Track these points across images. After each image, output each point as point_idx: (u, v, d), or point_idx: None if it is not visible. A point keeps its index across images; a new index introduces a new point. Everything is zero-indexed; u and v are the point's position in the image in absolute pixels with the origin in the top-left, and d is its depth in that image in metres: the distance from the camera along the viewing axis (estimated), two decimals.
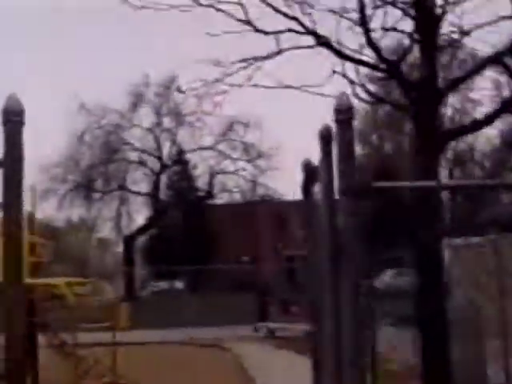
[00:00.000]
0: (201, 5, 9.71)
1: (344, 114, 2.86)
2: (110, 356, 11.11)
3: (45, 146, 39.38)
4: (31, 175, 35.75)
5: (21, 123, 2.93)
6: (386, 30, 9.25)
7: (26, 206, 11.77)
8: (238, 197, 40.90)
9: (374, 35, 9.06)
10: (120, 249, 44.49)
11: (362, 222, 2.78)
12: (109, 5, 12.28)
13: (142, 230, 42.35)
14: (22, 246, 2.63)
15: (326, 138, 3.14)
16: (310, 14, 9.65)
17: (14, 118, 2.89)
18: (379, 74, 10.28)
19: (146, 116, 41.01)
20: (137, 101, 40.11)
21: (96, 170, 40.58)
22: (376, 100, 11.85)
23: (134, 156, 42.00)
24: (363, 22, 8.85)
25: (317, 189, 3.42)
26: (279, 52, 10.07)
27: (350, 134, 2.86)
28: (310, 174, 3.57)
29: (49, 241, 11.82)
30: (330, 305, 3.04)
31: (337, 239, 2.91)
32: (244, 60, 10.30)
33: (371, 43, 8.98)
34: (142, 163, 41.98)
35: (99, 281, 8.93)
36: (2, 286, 2.53)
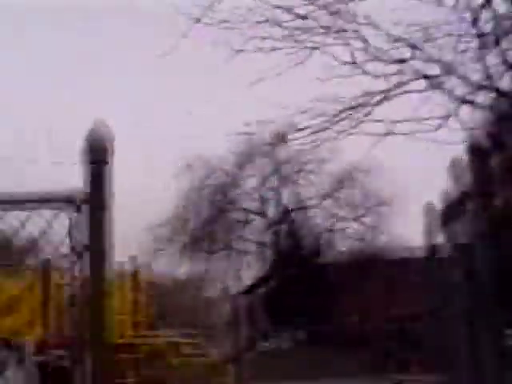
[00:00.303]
0: (306, 47, 9.47)
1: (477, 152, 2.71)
2: None
3: (153, 204, 39.80)
4: (140, 234, 36.37)
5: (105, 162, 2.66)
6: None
7: (132, 265, 11.70)
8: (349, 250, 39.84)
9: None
10: (227, 308, 44.22)
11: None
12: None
13: (248, 289, 42.00)
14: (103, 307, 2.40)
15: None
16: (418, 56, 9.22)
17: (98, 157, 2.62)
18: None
19: (251, 176, 41.11)
20: (242, 160, 40.27)
21: (202, 230, 40.69)
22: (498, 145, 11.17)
23: (240, 215, 42.01)
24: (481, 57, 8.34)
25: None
26: (389, 97, 9.66)
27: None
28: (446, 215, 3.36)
29: (152, 299, 11.64)
30: (467, 356, 2.91)
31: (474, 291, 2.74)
32: (352, 108, 9.94)
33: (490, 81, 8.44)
34: (248, 222, 41.89)
35: (205, 340, 8.67)
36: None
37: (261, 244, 41.76)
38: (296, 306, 35.24)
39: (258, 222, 42.09)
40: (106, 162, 2.75)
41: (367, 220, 40.14)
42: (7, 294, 10.48)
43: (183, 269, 41.19)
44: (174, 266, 40.46)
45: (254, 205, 41.57)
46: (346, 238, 40.65)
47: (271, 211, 41.55)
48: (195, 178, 40.07)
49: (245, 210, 41.80)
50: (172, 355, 8.01)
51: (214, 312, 59.51)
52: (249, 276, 42.21)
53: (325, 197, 40.59)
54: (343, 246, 40.51)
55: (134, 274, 11.16)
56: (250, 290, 42.00)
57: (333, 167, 38.56)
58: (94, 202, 2.71)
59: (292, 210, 41.14)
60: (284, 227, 40.99)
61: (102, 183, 2.72)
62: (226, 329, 43.08)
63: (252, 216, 42.04)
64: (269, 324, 34.14)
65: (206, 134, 40.09)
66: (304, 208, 40.95)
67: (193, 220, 40.96)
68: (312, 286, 36.27)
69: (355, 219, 40.38)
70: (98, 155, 2.67)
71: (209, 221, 40.73)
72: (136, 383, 10.55)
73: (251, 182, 41.21)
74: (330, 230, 40.98)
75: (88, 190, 2.62)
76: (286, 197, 41.18)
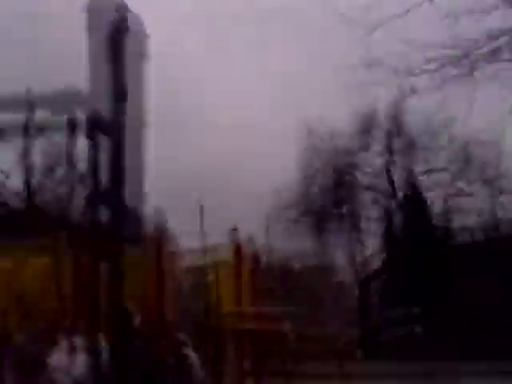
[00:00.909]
0: None
1: None
2: None
3: (275, 170, 39.07)
4: (264, 199, 35.78)
5: None
6: None
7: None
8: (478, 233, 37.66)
9: None
10: (355, 292, 43.09)
11: None
12: None
13: (377, 273, 40.71)
14: None
15: None
16: None
17: None
18: None
19: (376, 139, 39.61)
20: (367, 124, 38.82)
21: (326, 196, 39.72)
22: None
23: (365, 180, 40.64)
24: None
25: None
26: None
27: None
28: None
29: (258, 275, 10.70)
30: None
31: None
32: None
33: None
34: (372, 187, 40.49)
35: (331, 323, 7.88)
36: None
37: (386, 211, 40.29)
38: (421, 287, 33.75)
39: (383, 186, 40.60)
40: None
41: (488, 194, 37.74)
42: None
43: (302, 238, 40.24)
44: (293, 235, 39.64)
45: (378, 169, 40.05)
46: (468, 212, 38.38)
47: (397, 176, 39.92)
48: (318, 142, 39.02)
49: (369, 174, 40.38)
50: (290, 337, 7.03)
51: (343, 295, 58.39)
52: (373, 244, 40.88)
53: (448, 167, 38.59)
54: (469, 221, 38.30)
55: (240, 250, 10.24)
56: (378, 273, 40.77)
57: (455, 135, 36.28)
58: None
59: (417, 176, 39.35)
60: (410, 193, 39.26)
61: None
62: (354, 313, 42.09)
63: (376, 181, 40.55)
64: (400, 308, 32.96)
65: (327, 98, 38.88)
66: (430, 172, 39.05)
67: (314, 186, 40.04)
68: (439, 266, 34.49)
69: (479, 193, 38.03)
70: None
71: (331, 187, 39.66)
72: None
73: (376, 146, 39.68)
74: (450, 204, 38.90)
75: None
76: (412, 162, 39.36)
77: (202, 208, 10.33)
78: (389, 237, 39.42)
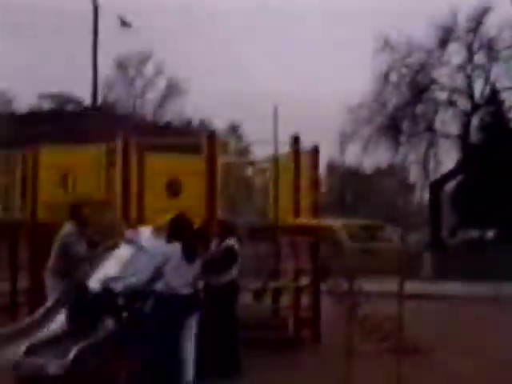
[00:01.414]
0: None
1: None
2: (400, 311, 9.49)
3: (351, 84, 38.33)
4: (339, 115, 35.26)
5: None
6: None
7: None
8: None
9: None
10: (427, 194, 42.45)
11: None
12: None
13: (450, 174, 39.84)
14: None
15: None
16: None
17: None
18: None
19: (455, 53, 38.00)
20: (445, 37, 37.24)
21: (402, 112, 38.73)
22: None
23: (442, 96, 39.32)
24: None
25: None
26: None
27: None
28: None
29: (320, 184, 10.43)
30: None
31: None
32: None
33: None
34: (451, 103, 39.15)
35: (395, 227, 7.69)
36: None
37: (465, 126, 39.03)
38: (491, 199, 32.73)
39: (462, 102, 39.23)
40: None
41: None
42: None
43: (381, 153, 39.77)
44: (370, 150, 39.18)
45: (458, 84, 38.58)
46: None
47: (478, 91, 38.40)
48: (395, 56, 37.81)
49: (448, 89, 39.02)
50: (344, 240, 6.82)
51: (412, 199, 57.86)
52: (450, 161, 39.90)
53: None
54: None
55: (314, 150, 9.91)
56: (451, 175, 39.86)
57: None
58: None
59: (500, 91, 37.74)
60: (490, 109, 37.78)
61: None
62: (425, 216, 41.63)
63: (456, 96, 39.18)
64: (472, 212, 32.09)
65: (404, 9, 37.43)
66: None
67: (392, 101, 39.04)
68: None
69: None
70: None
71: (409, 102, 38.61)
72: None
73: (456, 60, 38.11)
74: None
75: None
76: (495, 75, 37.69)
77: (276, 112, 9.99)
78: (464, 140, 38.29)
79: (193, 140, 12.80)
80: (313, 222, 9.42)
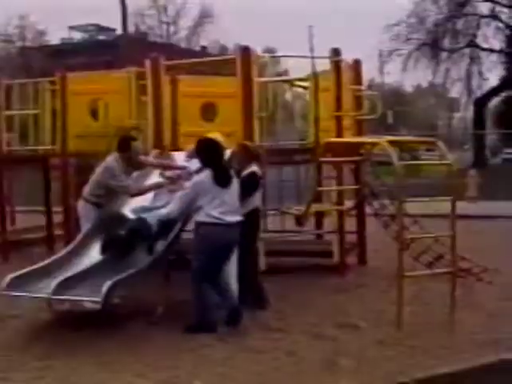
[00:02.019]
0: None
1: None
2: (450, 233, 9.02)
3: (388, 1, 36.99)
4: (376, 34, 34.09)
5: None
6: None
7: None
8: None
9: None
10: (470, 112, 41.38)
11: None
12: None
13: (494, 91, 38.63)
14: None
15: None
16: None
17: None
18: None
19: None
20: None
21: (443, 27, 37.38)
22: None
23: (484, 9, 37.75)
24: None
25: None
26: None
27: None
28: None
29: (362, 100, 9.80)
30: None
31: None
32: None
33: None
34: (494, 17, 37.63)
35: (440, 144, 7.23)
36: None
37: (509, 41, 37.53)
38: None
39: (505, 15, 37.66)
40: None
41: None
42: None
43: (421, 71, 38.65)
44: (409, 68, 38.12)
45: None
46: None
47: None
48: None
49: (491, 2, 37.43)
50: (393, 157, 6.32)
51: (456, 117, 56.60)
52: (493, 77, 38.62)
53: None
54: None
55: (356, 65, 9.26)
56: (495, 92, 38.61)
57: None
58: None
59: None
60: None
61: None
62: (468, 135, 40.67)
63: (499, 9, 37.59)
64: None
65: None
66: None
67: (432, 16, 37.68)
68: None
69: None
70: None
71: (449, 16, 37.21)
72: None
73: None
74: None
75: None
76: None
77: (310, 31, 9.44)
78: (508, 55, 36.92)
79: (226, 58, 12.19)
80: (357, 139, 8.87)
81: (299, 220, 9.19)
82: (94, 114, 10.09)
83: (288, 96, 13.14)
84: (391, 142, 6.77)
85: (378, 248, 10.75)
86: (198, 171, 6.80)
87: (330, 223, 10.35)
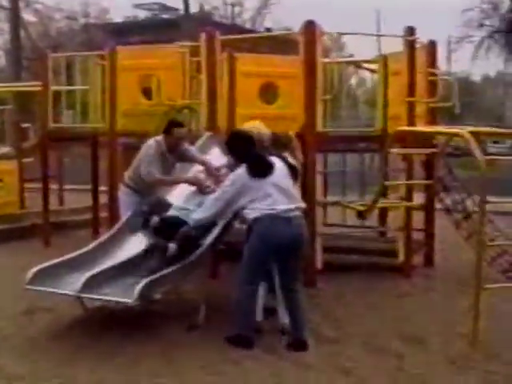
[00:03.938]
0: None
1: None
2: None
3: None
4: (444, 21, 32.84)
5: None
6: None
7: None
8: None
9: None
10: None
11: None
12: None
13: None
14: None
15: None
16: None
17: None
18: None
19: None
20: None
21: None
22: None
23: None
24: None
25: None
26: None
27: None
28: None
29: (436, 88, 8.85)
30: None
31: None
32: None
33: None
34: None
35: None
36: None
37: None
38: None
39: None
40: None
41: None
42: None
43: (492, 59, 37.13)
44: (480, 56, 36.61)
45: None
46: None
47: None
48: None
49: None
50: (475, 150, 5.49)
51: None
52: None
53: None
54: None
55: (414, 50, 8.34)
56: None
57: None
58: None
59: None
60: None
61: None
62: None
63: None
64: None
65: None
66: None
67: (506, 2, 36.03)
68: None
69: None
70: None
71: None
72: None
73: None
74: None
75: None
76: None
77: (378, 17, 8.62)
78: None
79: (288, 34, 11.39)
80: (434, 129, 7.98)
81: (362, 214, 8.39)
82: (145, 91, 9.41)
83: (352, 80, 12.27)
84: (473, 133, 5.88)
85: (445, 247, 9.90)
86: (230, 168, 6.04)
87: (393, 218, 9.54)
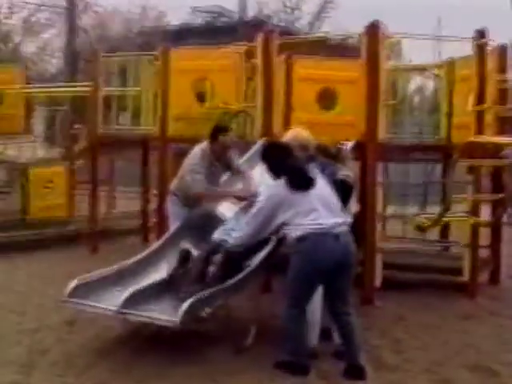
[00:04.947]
0: None
1: None
2: None
3: None
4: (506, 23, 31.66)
5: None
6: None
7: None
8: None
9: None
10: None
11: None
12: None
13: None
14: None
15: None
16: None
17: None
18: None
19: None
20: None
21: None
22: None
23: None
24: None
25: None
26: None
27: None
28: None
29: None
30: None
31: None
32: None
33: None
34: None
35: None
36: None
37: None
38: None
39: None
40: None
41: None
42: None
43: None
44: None
45: None
46: None
47: None
48: None
49: None
50: None
51: None
52: None
53: None
54: None
55: (484, 54, 7.76)
56: None
57: None
58: None
59: None
60: None
61: None
62: None
63: None
64: None
65: None
66: None
67: None
68: None
69: None
70: None
71: None
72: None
73: None
74: None
75: None
76: None
77: (439, 20, 8.27)
78: None
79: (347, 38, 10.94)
80: (508, 139, 7.40)
81: (422, 227, 7.89)
82: (198, 95, 9.06)
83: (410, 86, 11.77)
84: None
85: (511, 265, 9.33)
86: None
87: (455, 232, 9.02)
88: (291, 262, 5.05)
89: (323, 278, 5.07)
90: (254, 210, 5.41)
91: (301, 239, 4.99)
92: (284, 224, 5.09)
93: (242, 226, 5.51)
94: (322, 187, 5.17)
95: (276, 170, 5.26)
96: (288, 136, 5.73)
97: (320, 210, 5.01)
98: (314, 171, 5.23)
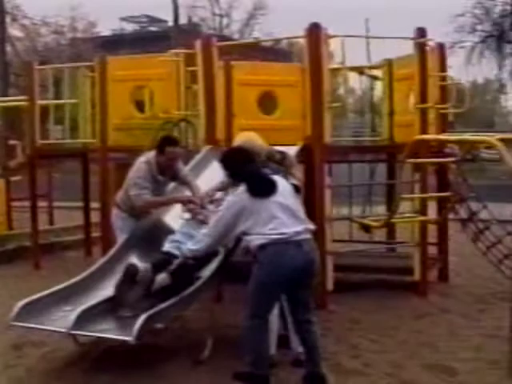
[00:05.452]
0: None
1: None
2: None
3: None
4: (439, 25, 32.42)
5: None
6: None
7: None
8: None
9: None
10: None
11: None
12: None
13: None
14: None
15: None
16: None
17: None
18: None
19: None
20: None
21: (510, 18, 35.40)
22: None
23: None
24: None
25: None
26: None
27: None
28: None
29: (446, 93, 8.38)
30: None
31: None
32: None
33: None
34: None
35: None
36: None
37: None
38: None
39: None
40: None
41: None
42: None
43: (484, 65, 36.79)
44: (473, 62, 36.27)
45: None
46: None
47: None
48: None
49: None
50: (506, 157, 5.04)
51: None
52: None
53: None
54: None
55: (425, 52, 7.81)
56: None
57: None
58: None
59: None
60: None
61: None
62: None
63: None
64: None
65: None
66: None
67: (498, 7, 35.75)
68: None
69: None
70: None
71: None
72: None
73: None
74: None
75: None
76: None
77: (367, 25, 8.52)
78: None
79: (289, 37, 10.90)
80: (458, 137, 7.41)
81: (368, 228, 7.88)
82: (138, 104, 8.87)
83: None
84: (502, 140, 5.36)
85: (459, 261, 9.45)
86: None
87: (401, 232, 9.06)
88: (253, 271, 4.86)
89: (286, 287, 4.90)
90: (214, 219, 5.22)
91: (262, 248, 4.81)
92: (244, 233, 4.94)
93: (198, 236, 5.34)
94: (284, 193, 5.00)
95: (236, 175, 5.11)
96: (239, 141, 5.60)
97: (281, 218, 4.84)
98: (274, 177, 5.09)
